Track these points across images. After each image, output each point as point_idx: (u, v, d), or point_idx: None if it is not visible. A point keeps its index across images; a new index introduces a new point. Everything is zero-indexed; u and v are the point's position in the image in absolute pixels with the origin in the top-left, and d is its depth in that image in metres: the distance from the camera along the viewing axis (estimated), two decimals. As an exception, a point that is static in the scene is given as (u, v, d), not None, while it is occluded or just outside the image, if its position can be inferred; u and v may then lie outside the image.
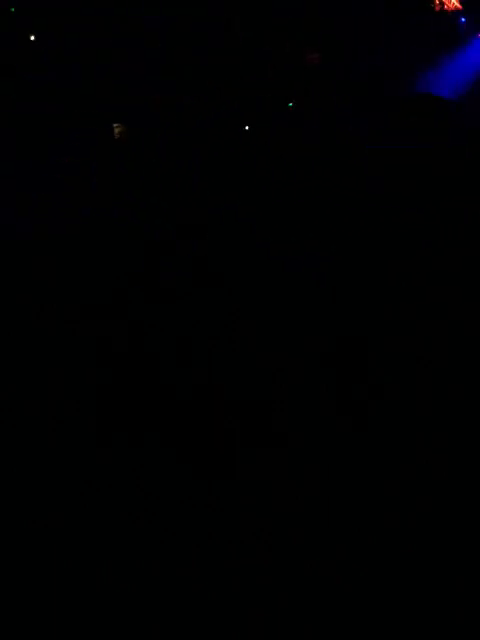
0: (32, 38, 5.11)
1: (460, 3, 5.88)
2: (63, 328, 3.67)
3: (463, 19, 5.93)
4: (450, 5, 5.91)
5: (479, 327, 3.63)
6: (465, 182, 4.82)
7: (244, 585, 2.38)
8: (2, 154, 4.80)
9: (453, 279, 3.98)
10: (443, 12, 5.88)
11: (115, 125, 5.19)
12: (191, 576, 2.41)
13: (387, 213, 4.58)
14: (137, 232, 4.53)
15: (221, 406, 3.22)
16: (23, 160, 4.83)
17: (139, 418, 3.17)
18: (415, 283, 3.99)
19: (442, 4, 5.87)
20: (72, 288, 3.99)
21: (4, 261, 4.14)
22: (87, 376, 3.43)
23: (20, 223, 4.39)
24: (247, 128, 5.33)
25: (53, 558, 2.49)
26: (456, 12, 5.88)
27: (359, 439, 2.99)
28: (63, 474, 2.88)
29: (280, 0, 5.52)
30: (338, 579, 2.39)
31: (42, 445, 3.01)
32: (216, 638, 2.25)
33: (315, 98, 5.48)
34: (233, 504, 2.71)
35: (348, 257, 4.24)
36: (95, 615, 2.32)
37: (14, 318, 3.74)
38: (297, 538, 2.55)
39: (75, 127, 5.02)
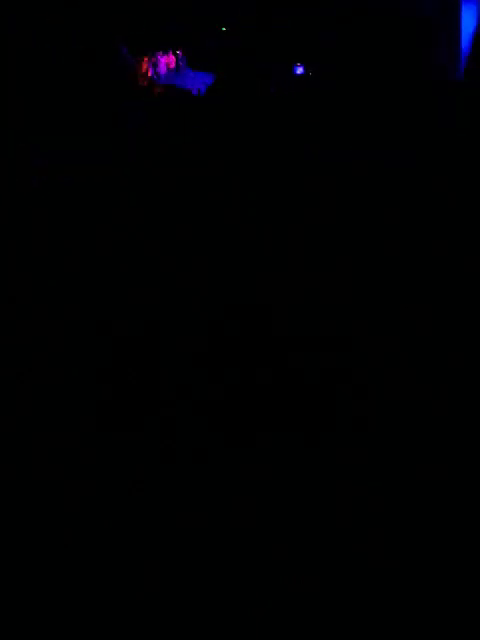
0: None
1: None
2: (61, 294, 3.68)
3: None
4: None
5: (476, 327, 3.65)
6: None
7: (243, 584, 2.39)
8: None
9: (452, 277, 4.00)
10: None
11: None
12: (188, 573, 2.42)
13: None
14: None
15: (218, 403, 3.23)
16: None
17: (139, 409, 3.18)
18: (413, 281, 4.00)
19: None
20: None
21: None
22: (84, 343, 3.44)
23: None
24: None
25: (49, 554, 2.50)
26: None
27: (357, 438, 3.00)
28: (57, 465, 2.89)
29: None
30: (338, 581, 2.40)
31: (35, 425, 3.02)
32: (215, 636, 2.26)
33: None
34: (230, 501, 2.72)
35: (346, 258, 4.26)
36: (92, 611, 2.32)
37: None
38: (296, 536, 2.55)
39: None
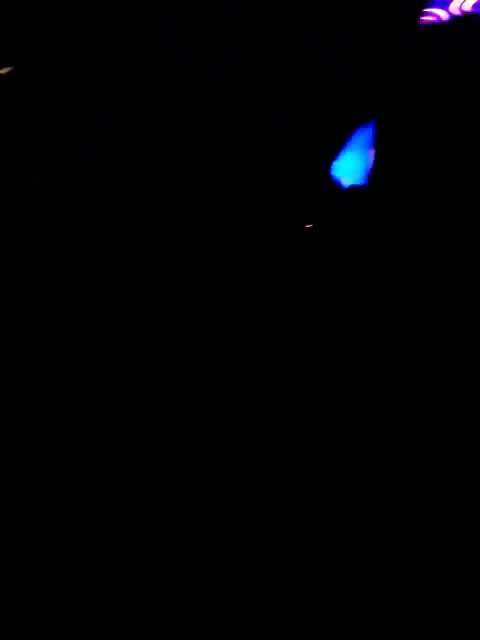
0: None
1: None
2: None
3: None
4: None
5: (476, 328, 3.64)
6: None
7: (242, 584, 2.39)
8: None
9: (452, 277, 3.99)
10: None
11: None
12: (188, 573, 2.42)
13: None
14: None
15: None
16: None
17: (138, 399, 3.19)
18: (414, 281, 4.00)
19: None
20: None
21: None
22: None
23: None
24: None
25: (49, 554, 2.50)
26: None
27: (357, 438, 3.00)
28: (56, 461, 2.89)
29: None
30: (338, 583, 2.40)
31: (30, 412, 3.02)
32: (215, 636, 2.26)
33: None
34: (230, 501, 2.72)
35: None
36: (92, 611, 2.32)
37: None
38: (296, 536, 2.55)
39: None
